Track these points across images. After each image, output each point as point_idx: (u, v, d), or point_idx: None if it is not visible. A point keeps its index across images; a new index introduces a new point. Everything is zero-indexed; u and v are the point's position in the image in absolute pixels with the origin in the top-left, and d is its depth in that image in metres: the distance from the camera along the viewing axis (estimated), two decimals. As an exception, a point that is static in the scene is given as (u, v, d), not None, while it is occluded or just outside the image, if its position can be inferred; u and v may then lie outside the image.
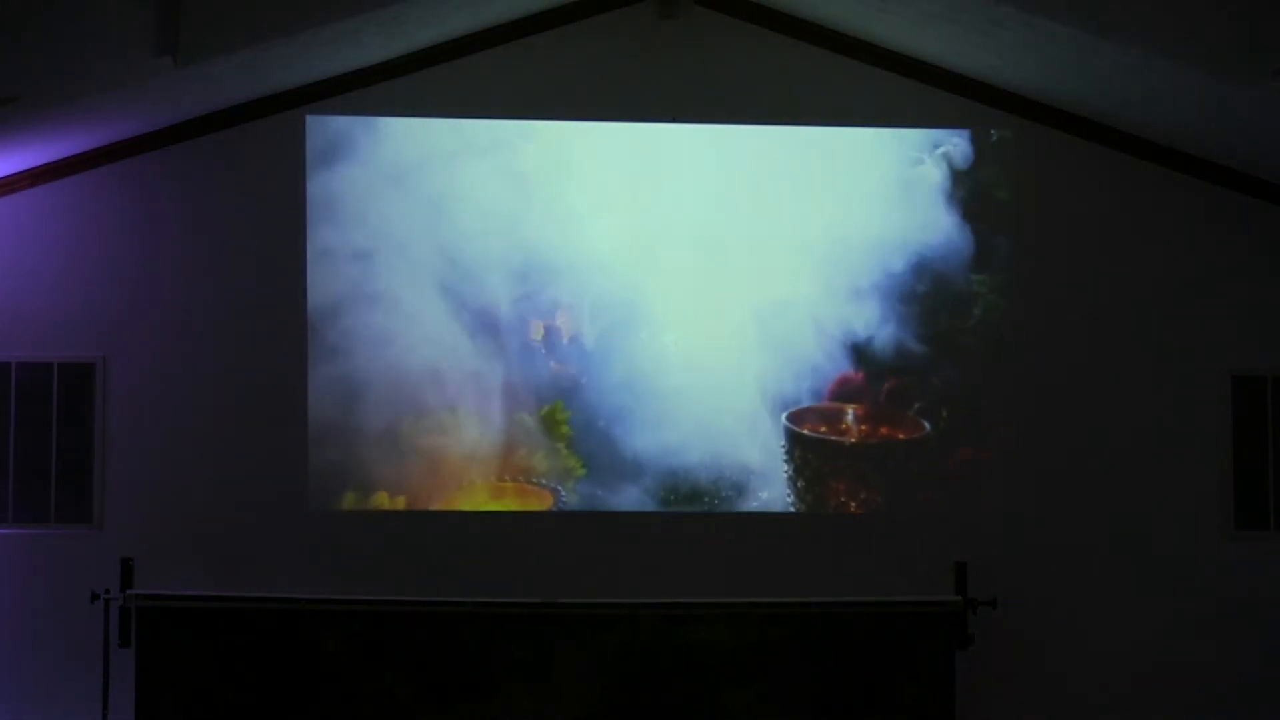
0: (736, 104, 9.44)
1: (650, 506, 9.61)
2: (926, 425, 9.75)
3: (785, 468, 9.70)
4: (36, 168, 9.28)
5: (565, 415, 9.66)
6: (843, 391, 9.81)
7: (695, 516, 9.39)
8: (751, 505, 9.52)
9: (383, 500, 9.39)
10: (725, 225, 9.67)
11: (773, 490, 9.65)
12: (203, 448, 9.32)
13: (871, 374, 9.78)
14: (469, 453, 9.59)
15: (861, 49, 9.44)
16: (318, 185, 9.36)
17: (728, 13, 9.44)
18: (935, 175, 9.74)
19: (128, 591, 9.12)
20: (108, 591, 9.09)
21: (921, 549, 9.39)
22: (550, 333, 9.75)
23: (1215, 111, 8.64)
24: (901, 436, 9.82)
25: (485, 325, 9.62)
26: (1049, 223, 9.53)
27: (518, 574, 9.26)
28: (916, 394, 9.75)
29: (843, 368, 9.78)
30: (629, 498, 9.66)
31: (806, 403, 9.76)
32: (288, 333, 9.32)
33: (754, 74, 9.46)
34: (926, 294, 9.74)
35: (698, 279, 9.69)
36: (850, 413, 9.76)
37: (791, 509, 9.51)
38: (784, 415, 9.73)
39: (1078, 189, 9.58)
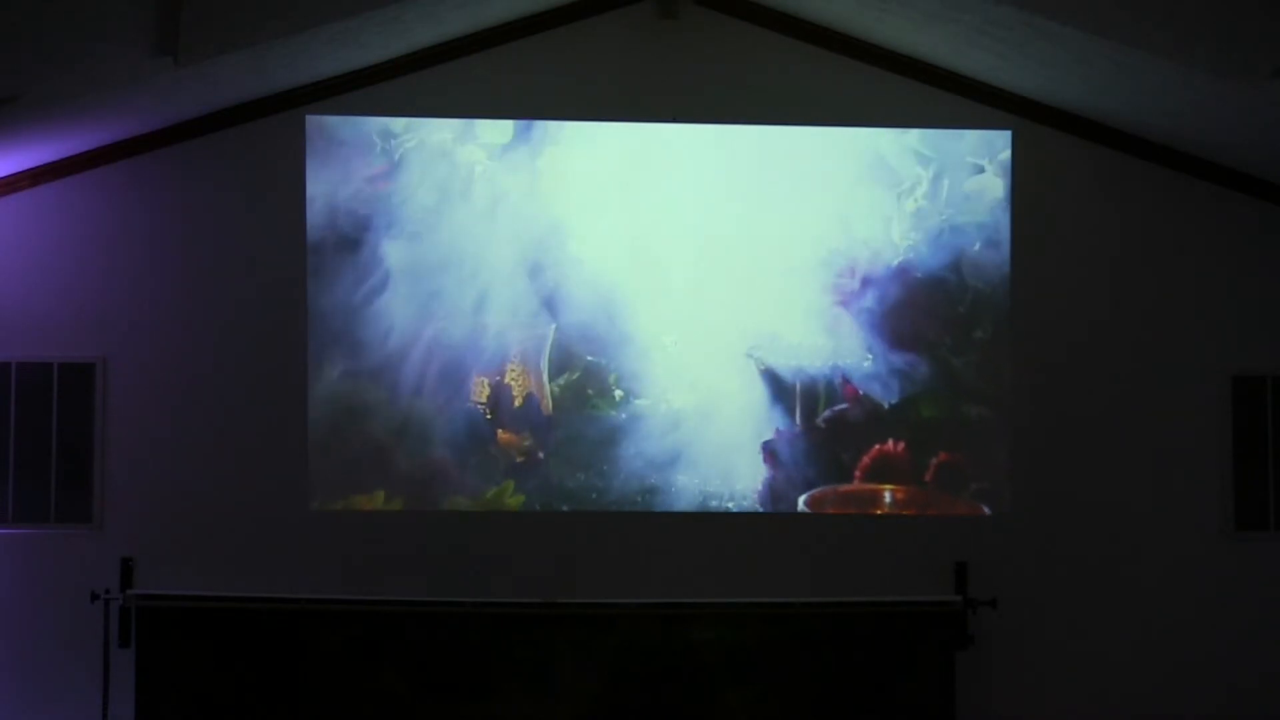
0: (736, 104, 9.43)
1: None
2: (986, 510, 9.07)
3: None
4: (36, 168, 9.28)
5: (517, 500, 9.11)
6: (878, 468, 8.65)
7: (695, 516, 9.36)
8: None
9: (382, 500, 9.37)
10: (727, 237, 9.04)
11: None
12: (203, 448, 9.31)
13: (915, 443, 8.50)
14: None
15: (861, 49, 9.43)
16: (317, 185, 9.33)
17: (728, 13, 9.44)
18: (998, 187, 8.87)
19: (128, 591, 9.13)
20: (108, 591, 9.10)
21: (921, 549, 9.38)
22: (497, 393, 8.67)
23: (1215, 111, 8.63)
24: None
25: (440, 377, 8.62)
26: (1049, 223, 9.52)
27: (518, 574, 9.26)
28: (973, 470, 8.77)
29: (876, 434, 8.40)
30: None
31: (824, 476, 8.55)
32: (288, 333, 9.32)
33: (754, 74, 9.45)
34: (984, 340, 8.65)
35: (695, 301, 8.90)
36: (888, 495, 8.75)
37: (791, 509, 9.44)
38: (802, 499, 8.91)
39: (1078, 189, 9.57)
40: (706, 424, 8.74)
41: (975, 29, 8.51)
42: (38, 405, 9.26)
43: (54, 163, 9.28)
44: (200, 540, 9.28)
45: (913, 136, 9.22)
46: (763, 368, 8.64)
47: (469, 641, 9.11)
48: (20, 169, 9.25)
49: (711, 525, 9.36)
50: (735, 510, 9.28)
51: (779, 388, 8.62)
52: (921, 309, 8.63)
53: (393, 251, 9.18)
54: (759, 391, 8.64)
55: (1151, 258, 9.58)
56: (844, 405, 8.67)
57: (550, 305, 8.95)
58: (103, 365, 9.31)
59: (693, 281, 9.11)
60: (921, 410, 8.50)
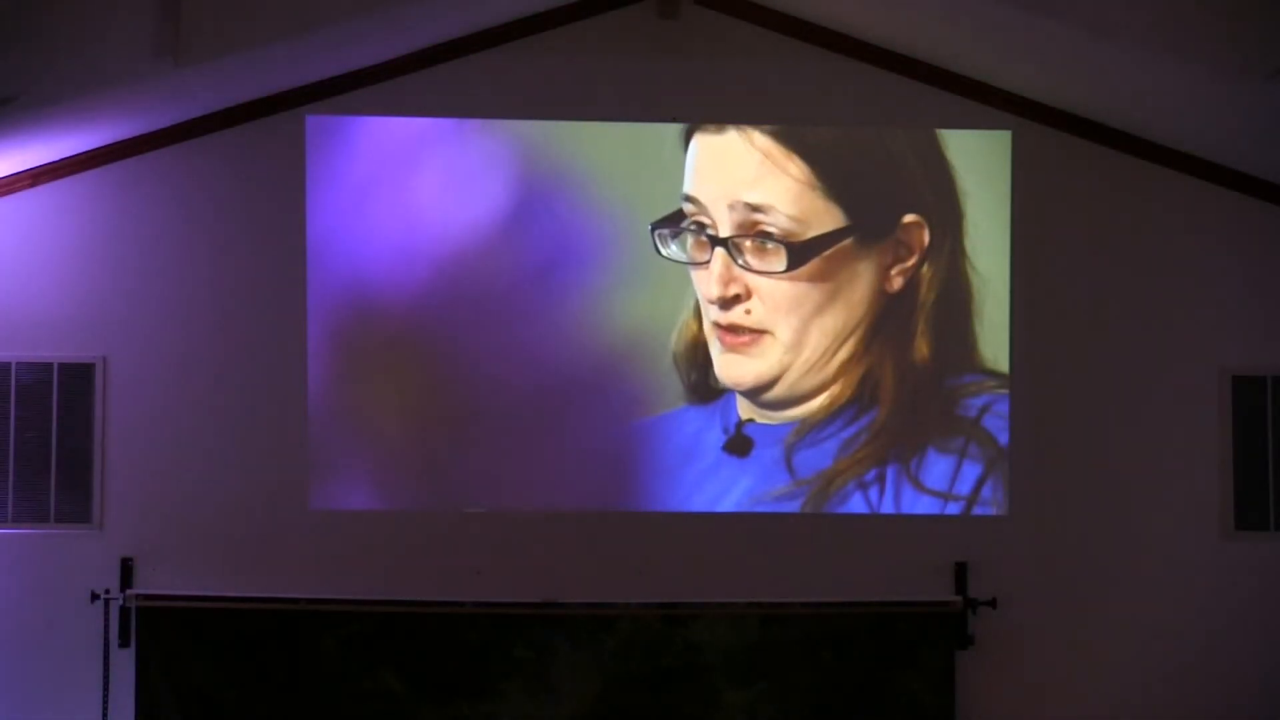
0: (736, 104, 9.43)
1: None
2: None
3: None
4: (36, 168, 9.27)
5: None
6: None
7: (694, 516, 9.36)
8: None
9: (382, 500, 9.36)
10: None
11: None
12: (203, 448, 9.31)
13: None
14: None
15: (862, 49, 9.43)
16: (317, 185, 9.33)
17: (728, 13, 9.43)
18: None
19: (128, 591, 9.13)
20: (108, 591, 9.10)
21: (921, 549, 9.38)
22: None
23: (1215, 111, 8.64)
24: None
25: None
26: (1048, 223, 9.52)
27: (518, 574, 9.26)
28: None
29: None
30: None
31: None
32: (288, 333, 9.32)
33: (754, 74, 9.45)
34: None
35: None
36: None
37: (791, 509, 9.44)
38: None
39: (1077, 189, 9.57)
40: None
41: (975, 29, 8.52)
42: (38, 405, 9.26)
43: (54, 163, 9.27)
44: (200, 540, 9.28)
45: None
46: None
47: (469, 641, 9.11)
48: (20, 169, 9.24)
49: (712, 525, 9.36)
50: (734, 510, 9.30)
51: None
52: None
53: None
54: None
55: (1151, 258, 9.58)
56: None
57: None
58: (103, 365, 9.31)
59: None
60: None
